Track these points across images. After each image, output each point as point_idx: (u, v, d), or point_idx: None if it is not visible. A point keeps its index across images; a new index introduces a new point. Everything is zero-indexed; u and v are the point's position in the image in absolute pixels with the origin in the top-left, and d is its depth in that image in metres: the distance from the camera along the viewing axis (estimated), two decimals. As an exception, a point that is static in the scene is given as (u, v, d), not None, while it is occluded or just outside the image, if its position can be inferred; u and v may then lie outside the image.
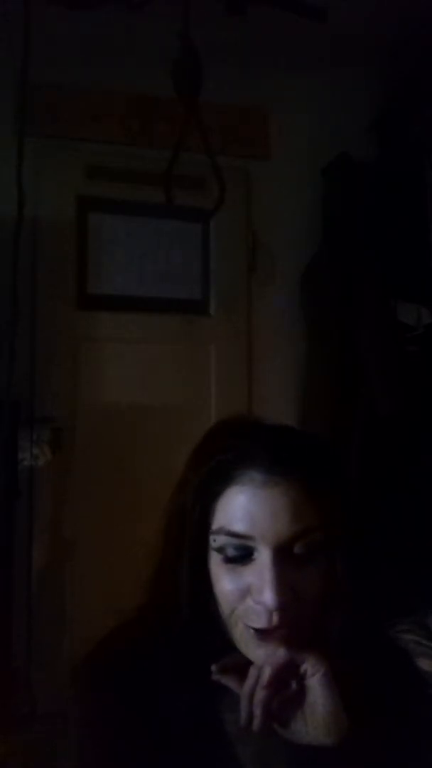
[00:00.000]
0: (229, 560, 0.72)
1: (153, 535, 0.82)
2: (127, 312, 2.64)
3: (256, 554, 0.70)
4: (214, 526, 0.73)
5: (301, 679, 0.70)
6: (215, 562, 0.73)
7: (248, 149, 2.78)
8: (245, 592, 0.71)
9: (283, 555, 0.70)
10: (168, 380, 2.60)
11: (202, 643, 0.74)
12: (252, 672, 0.70)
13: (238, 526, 0.71)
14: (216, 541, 0.72)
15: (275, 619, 0.68)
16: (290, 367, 2.69)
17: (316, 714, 0.69)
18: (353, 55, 2.64)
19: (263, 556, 0.70)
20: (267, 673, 0.69)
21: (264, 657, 0.70)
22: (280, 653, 0.69)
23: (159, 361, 2.61)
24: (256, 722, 0.68)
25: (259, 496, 0.70)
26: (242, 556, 0.71)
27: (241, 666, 0.72)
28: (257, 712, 0.68)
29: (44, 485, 2.45)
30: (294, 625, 0.69)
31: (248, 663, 0.71)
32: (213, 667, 0.71)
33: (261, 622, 0.69)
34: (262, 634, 0.70)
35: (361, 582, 0.75)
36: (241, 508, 0.71)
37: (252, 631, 0.70)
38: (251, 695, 0.69)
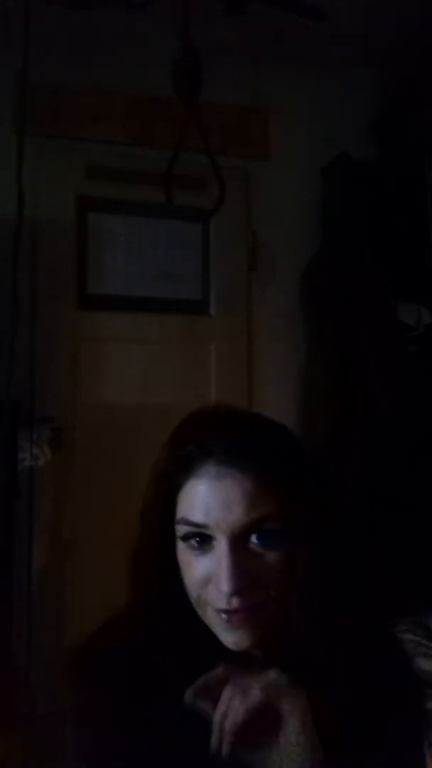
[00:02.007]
0: (192, 548, 0.75)
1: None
2: (127, 312, 2.64)
3: (215, 542, 0.74)
4: (177, 516, 0.76)
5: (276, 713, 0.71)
6: (181, 549, 0.76)
7: (248, 149, 2.78)
8: (208, 578, 0.74)
9: (239, 543, 0.73)
10: (168, 380, 2.59)
11: (184, 630, 0.77)
12: (224, 697, 0.71)
13: (197, 517, 0.74)
14: (179, 530, 0.76)
15: (234, 602, 0.72)
16: (290, 367, 2.69)
17: (290, 748, 0.70)
18: (353, 55, 2.64)
19: (221, 544, 0.73)
20: (239, 711, 0.70)
21: (234, 643, 0.74)
22: (255, 694, 0.70)
23: (159, 361, 2.61)
24: (225, 749, 0.70)
25: (214, 488, 0.73)
26: (203, 544, 0.74)
27: (216, 687, 0.72)
28: (225, 740, 0.70)
29: (44, 485, 2.45)
30: (254, 607, 0.73)
31: (224, 681, 0.73)
32: (186, 693, 0.72)
33: (222, 605, 0.73)
34: (227, 615, 0.73)
35: (339, 574, 0.79)
36: (199, 499, 0.74)
37: (218, 613, 0.74)
38: (221, 722, 0.70)
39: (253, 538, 0.73)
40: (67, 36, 2.34)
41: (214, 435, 0.77)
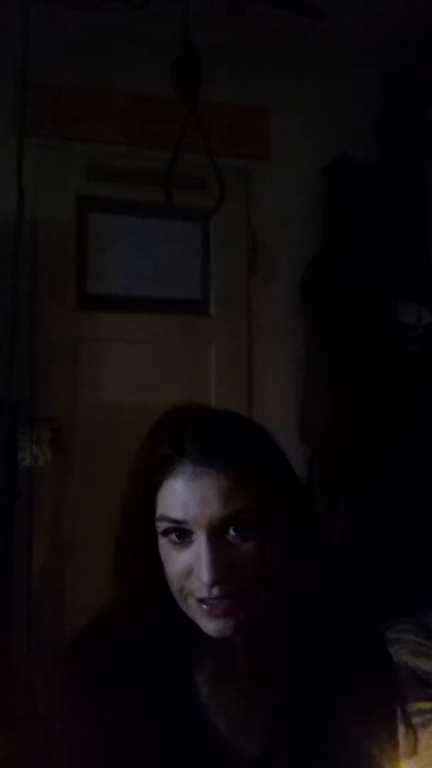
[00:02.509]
0: (172, 543, 0.78)
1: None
2: (127, 312, 2.64)
3: (194, 536, 0.77)
4: (157, 513, 0.79)
5: None
6: (162, 544, 0.80)
7: (248, 149, 2.78)
8: (189, 570, 0.77)
9: (217, 535, 0.76)
10: (168, 380, 2.59)
11: (168, 622, 0.82)
12: None
13: (176, 513, 0.77)
14: (160, 526, 0.79)
15: (215, 591, 0.76)
16: (290, 367, 2.69)
17: None
18: (353, 55, 2.64)
19: (200, 538, 0.77)
20: None
21: (216, 631, 0.78)
22: None
23: (159, 361, 2.61)
24: None
25: (191, 486, 0.77)
26: (183, 538, 0.78)
27: None
28: None
29: (44, 485, 2.45)
30: (234, 595, 0.77)
31: None
32: None
33: (204, 594, 0.77)
34: (208, 605, 0.77)
35: (312, 559, 0.84)
36: (177, 497, 0.77)
37: (200, 603, 0.77)
38: None
39: (231, 531, 0.77)
40: (67, 36, 2.34)
41: (188, 435, 0.80)
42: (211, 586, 0.75)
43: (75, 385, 2.54)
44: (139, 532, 0.82)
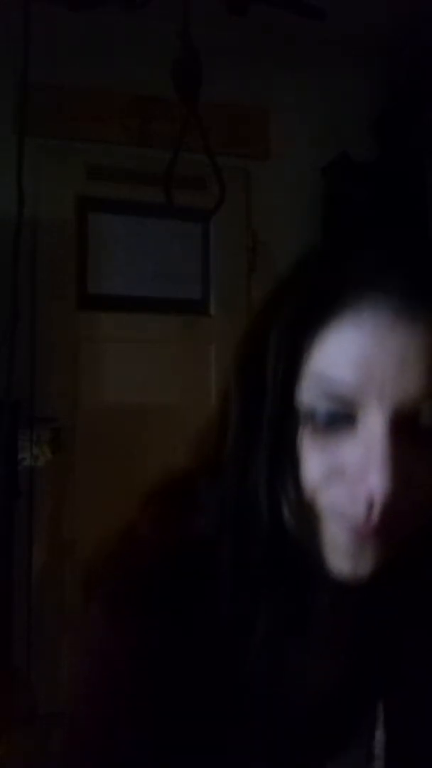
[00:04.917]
0: (320, 429, 0.51)
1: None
2: (127, 312, 2.64)
3: (361, 421, 0.50)
4: (305, 380, 0.52)
5: None
6: (300, 433, 0.53)
7: (248, 149, 2.78)
8: (337, 475, 0.51)
9: (401, 425, 0.49)
10: (168, 380, 2.59)
11: (270, 550, 0.55)
12: None
13: (343, 378, 0.50)
14: (304, 401, 0.52)
15: (376, 513, 0.49)
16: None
17: None
18: (353, 55, 2.64)
19: (374, 424, 0.50)
20: None
21: (349, 570, 0.53)
22: None
23: (159, 361, 2.61)
24: None
25: (383, 336, 0.49)
26: (339, 425, 0.51)
27: None
28: None
29: (44, 485, 2.45)
30: (394, 521, 0.50)
31: None
32: None
33: (354, 516, 0.50)
34: (353, 530, 0.51)
35: None
36: (352, 352, 0.50)
37: (340, 525, 0.52)
38: None
39: (422, 419, 0.49)
40: (67, 36, 2.34)
41: (384, 260, 0.52)
42: (379, 502, 0.49)
43: (75, 385, 2.54)
44: (268, 412, 0.53)
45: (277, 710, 0.58)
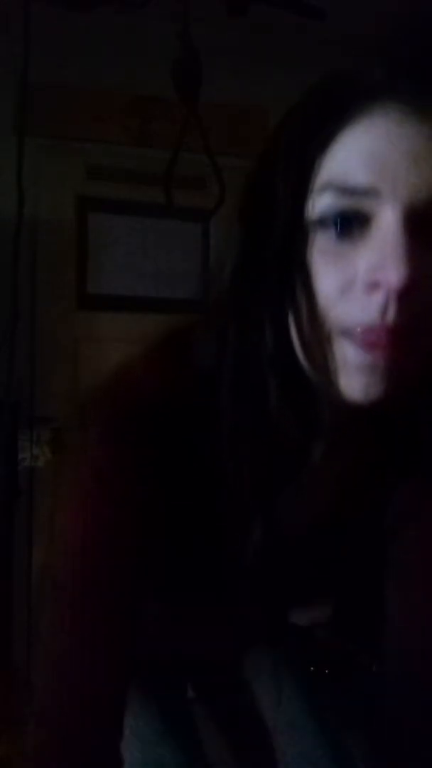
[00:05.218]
0: (332, 241, 0.50)
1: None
2: (127, 312, 2.64)
3: (375, 221, 0.49)
4: (317, 184, 0.50)
5: None
6: (309, 247, 0.51)
7: (248, 149, 2.77)
8: (350, 286, 0.50)
9: (414, 223, 0.48)
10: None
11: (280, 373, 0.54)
12: None
13: (356, 177, 0.49)
14: (317, 206, 0.50)
15: (390, 312, 0.48)
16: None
17: None
18: (353, 55, 2.63)
19: (387, 221, 0.48)
20: None
21: (360, 389, 0.51)
22: None
23: (159, 361, 2.61)
24: None
25: (394, 136, 0.49)
26: (354, 228, 0.49)
27: None
28: None
29: (44, 485, 2.45)
30: (409, 330, 0.49)
31: None
32: None
33: (368, 324, 0.49)
34: (367, 337, 0.49)
35: None
36: (364, 152, 0.49)
37: (351, 339, 0.50)
38: None
39: None
40: (67, 36, 2.34)
41: (391, 68, 0.53)
42: (396, 291, 0.47)
43: (75, 385, 2.54)
44: (260, 237, 0.53)
45: (262, 552, 0.59)
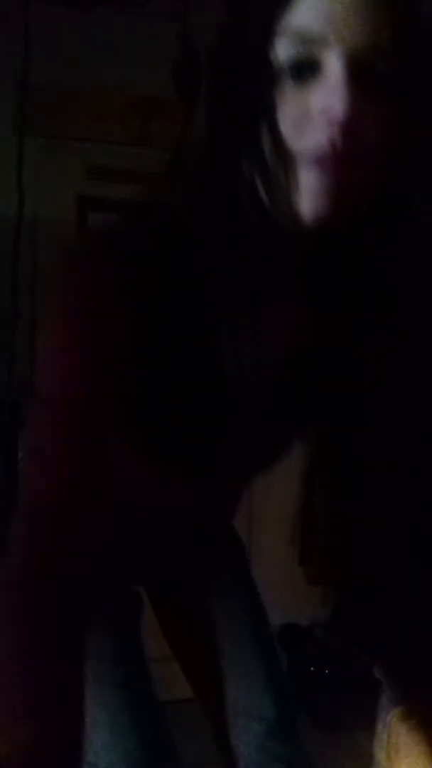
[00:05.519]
0: (289, 83, 0.60)
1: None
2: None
3: (324, 67, 0.59)
4: (277, 33, 0.60)
5: None
6: (271, 90, 0.61)
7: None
8: (306, 121, 0.60)
9: (359, 68, 0.58)
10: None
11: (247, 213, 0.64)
12: None
13: (309, 24, 0.58)
14: (277, 53, 0.60)
15: (338, 138, 0.58)
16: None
17: None
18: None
19: (334, 66, 0.58)
20: None
21: (311, 206, 0.61)
22: None
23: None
24: None
25: None
26: (307, 72, 0.59)
27: None
28: None
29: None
30: (351, 157, 0.59)
31: None
32: None
33: (318, 144, 0.59)
34: (317, 162, 0.60)
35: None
36: (317, 2, 0.58)
37: (304, 164, 0.60)
38: None
39: (376, 65, 0.59)
40: (67, 36, 2.34)
41: None
42: (338, 122, 0.58)
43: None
44: (229, 86, 0.64)
45: (250, 377, 0.66)
